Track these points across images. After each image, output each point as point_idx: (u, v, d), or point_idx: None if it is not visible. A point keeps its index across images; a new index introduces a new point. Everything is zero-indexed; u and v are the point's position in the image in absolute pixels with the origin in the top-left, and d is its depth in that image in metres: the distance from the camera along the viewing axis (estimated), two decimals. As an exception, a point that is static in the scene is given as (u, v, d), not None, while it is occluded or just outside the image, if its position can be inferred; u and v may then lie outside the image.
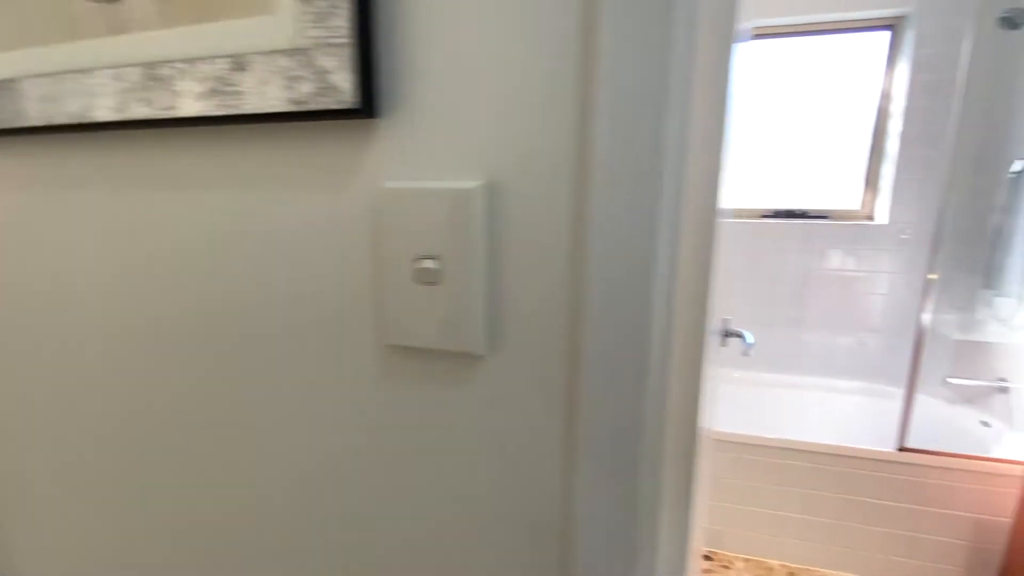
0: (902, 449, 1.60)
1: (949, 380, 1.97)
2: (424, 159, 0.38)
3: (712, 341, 1.01)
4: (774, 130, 2.23)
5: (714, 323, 1.00)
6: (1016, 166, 1.77)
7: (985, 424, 1.84)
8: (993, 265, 1.88)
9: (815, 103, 2.17)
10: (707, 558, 1.77)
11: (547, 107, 0.34)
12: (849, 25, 2.07)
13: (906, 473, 1.60)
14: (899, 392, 1.81)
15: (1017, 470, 1.51)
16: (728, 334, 1.07)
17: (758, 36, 2.16)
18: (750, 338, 1.02)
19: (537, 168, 0.35)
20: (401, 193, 0.38)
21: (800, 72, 2.17)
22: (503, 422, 0.40)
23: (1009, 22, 1.70)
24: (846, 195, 2.22)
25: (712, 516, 1.77)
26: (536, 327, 0.38)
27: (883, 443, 1.64)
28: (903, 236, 2.11)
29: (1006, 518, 1.55)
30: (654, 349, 0.35)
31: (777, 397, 2.26)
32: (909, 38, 1.97)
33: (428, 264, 0.37)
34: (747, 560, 1.76)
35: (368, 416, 0.44)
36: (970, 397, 1.96)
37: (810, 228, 2.19)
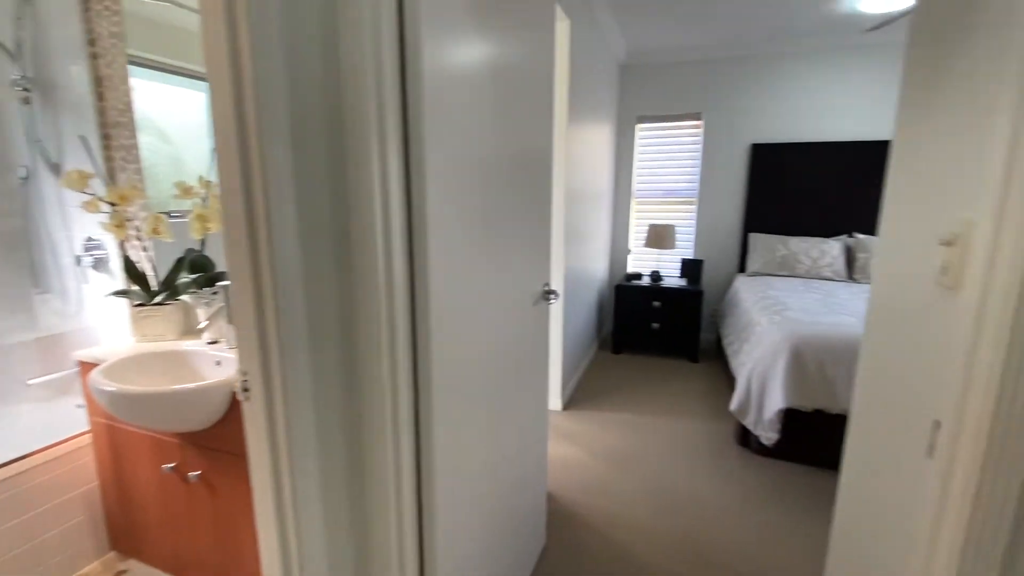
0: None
1: (29, 382, 2.00)
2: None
3: None
4: None
5: None
6: (21, 172, 1.90)
7: (79, 407, 2.02)
8: (36, 265, 2.00)
9: None
10: None
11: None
12: None
13: (10, 488, 1.53)
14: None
15: (87, 439, 1.75)
16: None
17: None
18: None
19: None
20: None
21: None
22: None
23: None
24: None
25: None
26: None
27: None
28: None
29: (95, 481, 1.79)
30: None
31: None
32: None
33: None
34: None
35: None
36: (63, 388, 2.09)
37: None
